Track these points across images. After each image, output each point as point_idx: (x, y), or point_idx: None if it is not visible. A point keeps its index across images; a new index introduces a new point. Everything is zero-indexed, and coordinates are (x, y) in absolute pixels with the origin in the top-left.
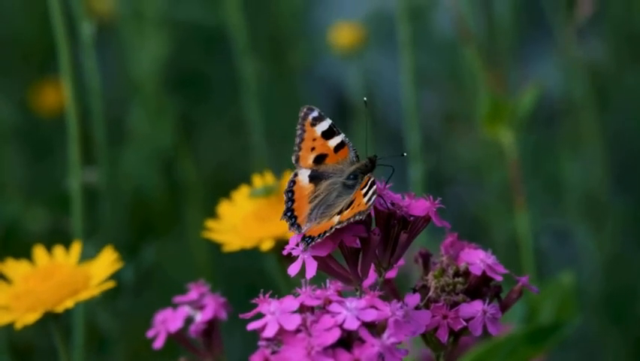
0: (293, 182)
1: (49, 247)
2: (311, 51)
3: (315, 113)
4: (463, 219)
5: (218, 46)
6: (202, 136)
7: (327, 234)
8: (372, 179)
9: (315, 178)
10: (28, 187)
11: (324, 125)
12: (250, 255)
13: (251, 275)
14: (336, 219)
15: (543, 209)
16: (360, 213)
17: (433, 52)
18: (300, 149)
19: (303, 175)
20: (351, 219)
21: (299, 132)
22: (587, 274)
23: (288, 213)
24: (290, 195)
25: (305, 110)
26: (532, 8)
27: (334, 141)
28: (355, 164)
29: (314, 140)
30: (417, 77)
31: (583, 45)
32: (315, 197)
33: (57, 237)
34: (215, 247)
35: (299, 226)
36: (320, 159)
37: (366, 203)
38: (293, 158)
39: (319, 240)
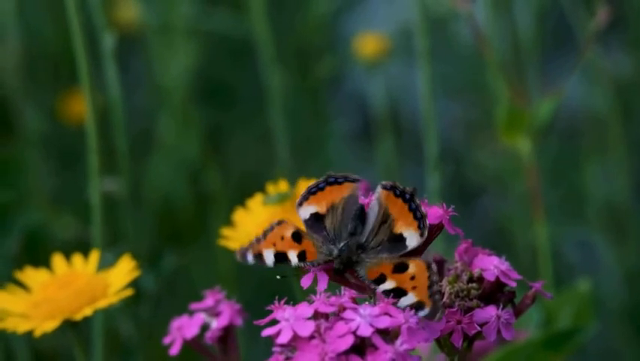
0: None
1: (76, 255)
2: (338, 63)
3: None
4: (489, 228)
5: (246, 56)
6: (229, 146)
7: None
8: None
9: None
10: (57, 195)
11: None
12: None
13: (277, 283)
14: None
15: (566, 219)
16: None
17: (457, 62)
18: None
19: None
20: None
21: None
22: (609, 285)
23: None
24: None
25: None
26: (557, 22)
27: None
28: None
29: None
30: (440, 87)
31: (607, 56)
32: None
33: (84, 245)
34: None
35: None
36: None
37: None
38: None
39: None
